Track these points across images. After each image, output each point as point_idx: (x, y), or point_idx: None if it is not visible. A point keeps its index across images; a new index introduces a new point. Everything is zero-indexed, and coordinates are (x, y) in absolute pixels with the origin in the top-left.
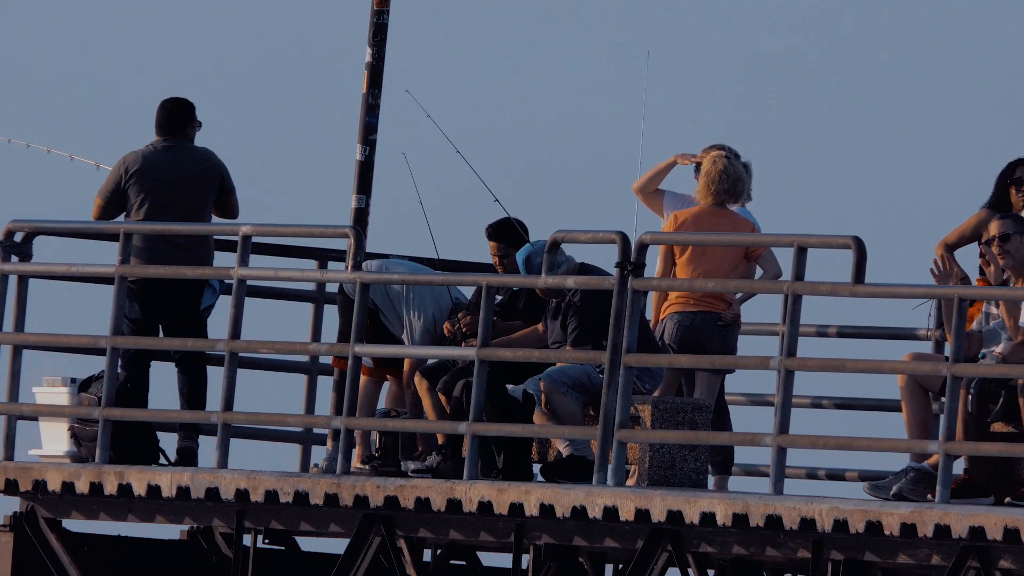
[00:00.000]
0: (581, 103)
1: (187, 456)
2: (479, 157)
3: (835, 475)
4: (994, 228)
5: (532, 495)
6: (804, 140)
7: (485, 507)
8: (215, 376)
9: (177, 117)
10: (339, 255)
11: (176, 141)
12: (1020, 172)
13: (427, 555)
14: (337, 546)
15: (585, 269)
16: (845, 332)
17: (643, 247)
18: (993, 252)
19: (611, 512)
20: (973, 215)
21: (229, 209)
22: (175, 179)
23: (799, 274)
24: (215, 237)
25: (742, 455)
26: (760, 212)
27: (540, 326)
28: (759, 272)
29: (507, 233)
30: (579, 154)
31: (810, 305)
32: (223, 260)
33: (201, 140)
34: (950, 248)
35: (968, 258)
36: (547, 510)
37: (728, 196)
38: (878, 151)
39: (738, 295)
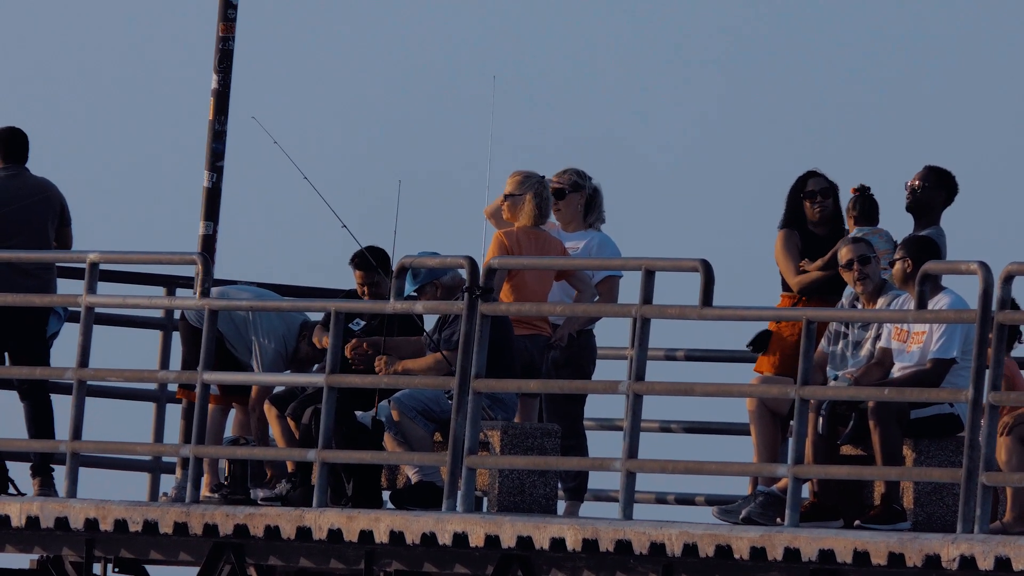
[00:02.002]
0: (429, 123)
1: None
2: (326, 182)
3: (684, 499)
4: (848, 252)
5: (382, 522)
6: (642, 164)
7: (335, 534)
8: (62, 404)
9: (19, 144)
10: (187, 282)
11: (17, 169)
12: (812, 184)
13: None
14: (187, 574)
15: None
16: (693, 355)
17: (492, 271)
18: (851, 277)
19: (461, 538)
20: (777, 239)
21: (65, 240)
22: (17, 207)
23: (647, 297)
24: (62, 264)
25: (593, 480)
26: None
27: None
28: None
29: (376, 261)
30: (430, 174)
31: (658, 329)
32: (68, 287)
33: (48, 167)
34: (798, 270)
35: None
36: (397, 537)
37: (541, 219)
38: (732, 177)
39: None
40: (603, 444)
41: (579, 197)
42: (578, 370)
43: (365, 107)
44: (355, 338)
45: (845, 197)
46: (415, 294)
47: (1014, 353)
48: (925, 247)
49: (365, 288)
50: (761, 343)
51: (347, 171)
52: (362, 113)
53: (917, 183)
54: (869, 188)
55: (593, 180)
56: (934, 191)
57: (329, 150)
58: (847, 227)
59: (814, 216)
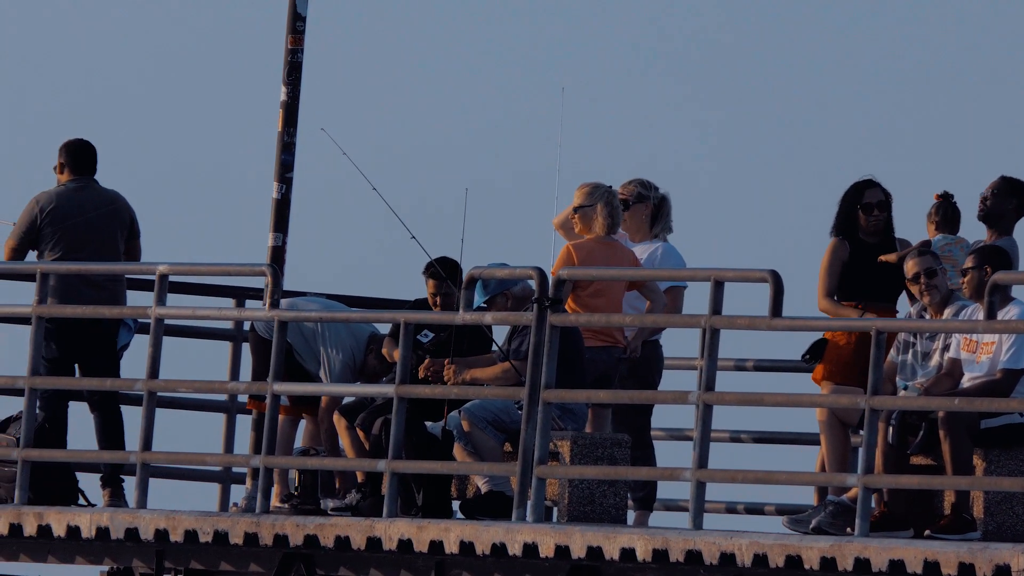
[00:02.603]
0: (497, 133)
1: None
2: (395, 193)
3: (754, 509)
4: (915, 266)
5: (452, 532)
6: (720, 174)
7: (405, 545)
8: (132, 415)
9: (88, 156)
10: (256, 293)
11: (86, 181)
12: (870, 196)
13: None
14: None
15: None
16: (763, 366)
17: (561, 282)
18: (918, 290)
19: (531, 548)
20: (827, 248)
21: (134, 252)
22: (87, 219)
23: (716, 308)
24: (131, 276)
25: (662, 490)
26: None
27: (507, 363)
28: (646, 304)
29: (446, 272)
30: (499, 186)
31: (728, 339)
32: (138, 299)
33: (118, 180)
34: (832, 293)
35: None
36: (467, 547)
37: (613, 228)
38: (798, 184)
39: (635, 329)
40: (672, 454)
41: (644, 208)
42: (644, 380)
43: (433, 116)
44: (423, 351)
45: (903, 206)
46: (484, 306)
47: None
48: (996, 257)
49: (437, 299)
50: (817, 353)
51: (415, 181)
52: (430, 122)
53: (989, 192)
54: (952, 195)
55: (660, 190)
56: (1005, 200)
57: (397, 160)
58: (895, 234)
59: (867, 227)
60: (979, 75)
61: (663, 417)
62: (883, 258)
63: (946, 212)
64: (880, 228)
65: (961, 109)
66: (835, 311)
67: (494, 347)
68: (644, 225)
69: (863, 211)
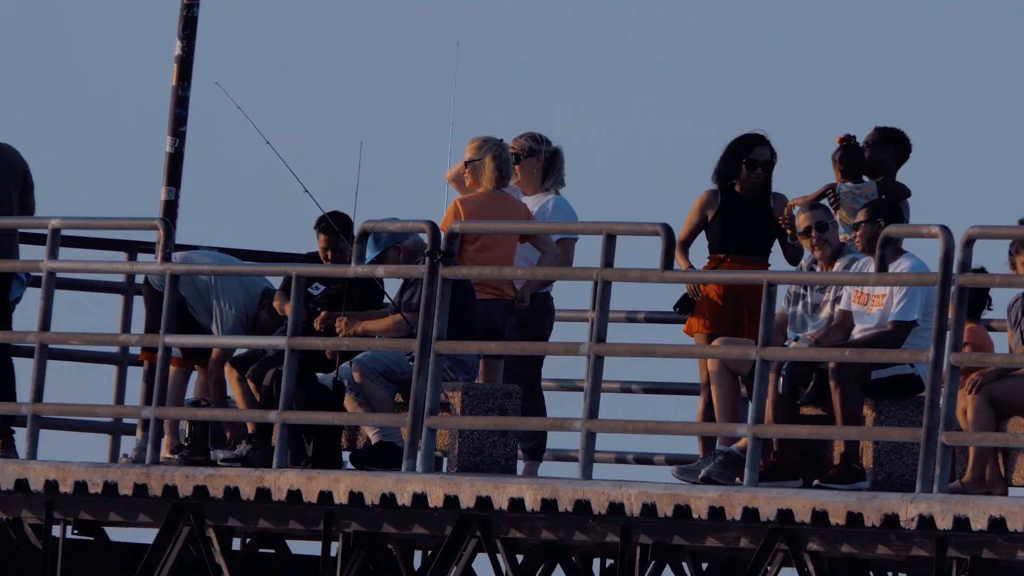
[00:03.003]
0: (392, 89)
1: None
2: (288, 147)
3: (644, 459)
4: (806, 220)
5: (341, 483)
6: (613, 130)
7: (294, 495)
8: (23, 368)
9: None
10: (149, 247)
11: None
12: (757, 153)
13: (236, 544)
14: (146, 536)
15: None
16: (654, 318)
17: (453, 236)
18: (809, 243)
19: (420, 499)
20: (696, 200)
21: (27, 205)
22: None
23: (608, 261)
24: (24, 230)
25: (552, 441)
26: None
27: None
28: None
29: (337, 225)
30: (392, 140)
31: (619, 291)
32: (30, 253)
33: (10, 133)
34: (686, 245)
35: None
36: (356, 498)
37: (503, 182)
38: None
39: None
40: (563, 405)
41: (535, 161)
42: (534, 332)
43: (328, 70)
44: (314, 303)
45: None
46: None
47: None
48: (889, 210)
49: (328, 252)
50: (687, 305)
51: (309, 136)
52: (325, 77)
53: (865, 144)
54: (854, 137)
55: (553, 144)
56: (882, 149)
57: (291, 115)
58: (773, 189)
59: (747, 181)
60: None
61: (554, 368)
62: (794, 201)
63: (850, 157)
64: (759, 185)
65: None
66: (679, 262)
67: (386, 300)
68: (536, 178)
69: (747, 166)
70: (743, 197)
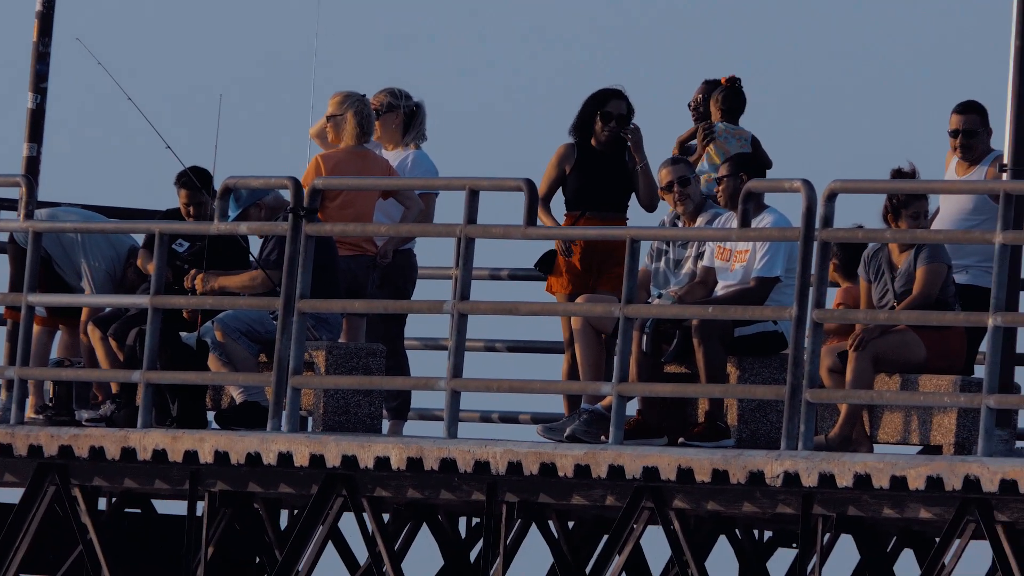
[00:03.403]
0: (253, 45)
1: None
2: (152, 103)
3: (509, 418)
4: (668, 175)
5: (207, 442)
6: (479, 86)
7: (160, 455)
8: None
9: None
10: (11, 204)
11: None
12: (613, 106)
13: (102, 503)
14: (11, 496)
15: None
16: (518, 275)
17: (315, 192)
18: (671, 198)
19: (286, 458)
20: (554, 154)
21: None
22: None
23: (471, 217)
24: None
25: (417, 399)
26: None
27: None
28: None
29: (196, 182)
30: (255, 95)
31: (483, 248)
32: None
33: None
34: (546, 201)
35: None
36: (222, 457)
37: (364, 137)
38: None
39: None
40: (428, 363)
41: (395, 117)
42: (397, 289)
43: (188, 25)
44: (180, 261)
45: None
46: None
47: None
48: (751, 165)
49: (190, 208)
50: (547, 264)
51: (171, 91)
52: (185, 32)
53: (698, 97)
54: (740, 80)
55: (414, 99)
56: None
57: (153, 70)
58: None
59: (602, 136)
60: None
61: (418, 326)
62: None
63: (731, 99)
64: (614, 139)
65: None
66: (542, 218)
67: (252, 258)
68: (396, 134)
69: (602, 119)
70: (599, 152)
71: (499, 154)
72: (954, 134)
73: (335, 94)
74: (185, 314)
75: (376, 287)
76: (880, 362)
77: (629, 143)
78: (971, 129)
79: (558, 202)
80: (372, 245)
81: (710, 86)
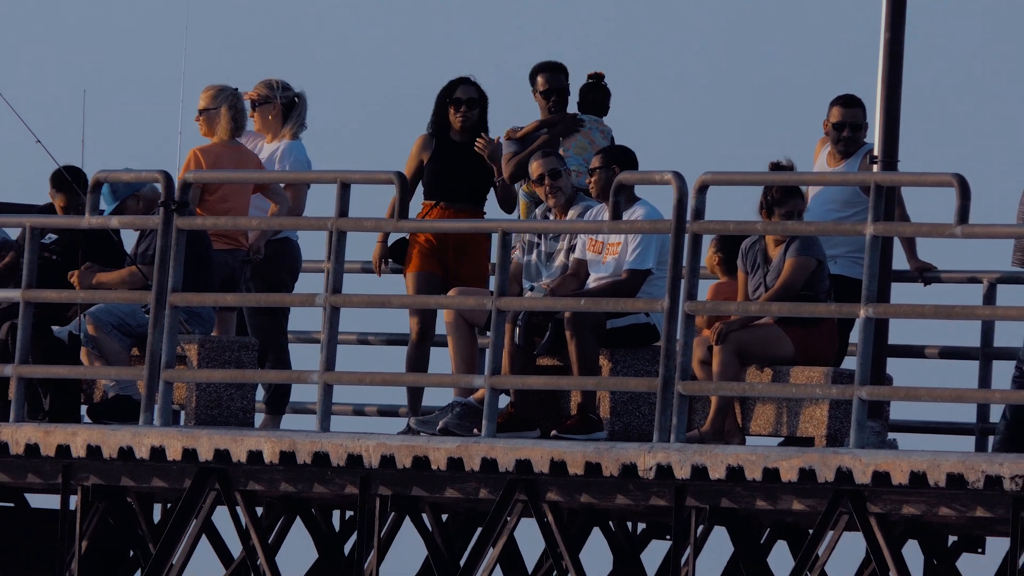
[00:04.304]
0: (120, 38)
1: None
2: (19, 97)
3: (385, 411)
4: (539, 167)
5: (79, 436)
6: (357, 77)
7: (32, 449)
8: None
9: None
10: None
11: None
12: (461, 92)
13: None
14: None
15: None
16: (392, 268)
17: (187, 185)
18: (543, 191)
19: (158, 452)
20: (414, 143)
21: None
22: None
23: (343, 210)
24: None
25: (292, 393)
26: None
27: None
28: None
29: (67, 178)
30: (122, 90)
31: (355, 241)
32: None
33: None
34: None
35: None
36: (94, 451)
37: (237, 131)
38: None
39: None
40: (303, 357)
41: (271, 108)
42: (271, 282)
43: (55, 18)
44: (48, 252)
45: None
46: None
47: None
48: (623, 157)
49: (64, 208)
50: (397, 253)
51: (39, 84)
52: (50, 24)
53: (545, 86)
54: (603, 76)
55: (293, 89)
56: (559, 79)
57: (19, 63)
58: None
59: (456, 123)
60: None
61: (293, 320)
62: (509, 132)
63: (595, 95)
64: (469, 126)
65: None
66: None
67: (127, 251)
68: (273, 125)
69: (453, 106)
70: (456, 142)
71: (384, 143)
72: (840, 127)
73: (208, 87)
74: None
75: (247, 280)
76: (745, 355)
77: (486, 157)
78: (857, 123)
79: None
80: (247, 239)
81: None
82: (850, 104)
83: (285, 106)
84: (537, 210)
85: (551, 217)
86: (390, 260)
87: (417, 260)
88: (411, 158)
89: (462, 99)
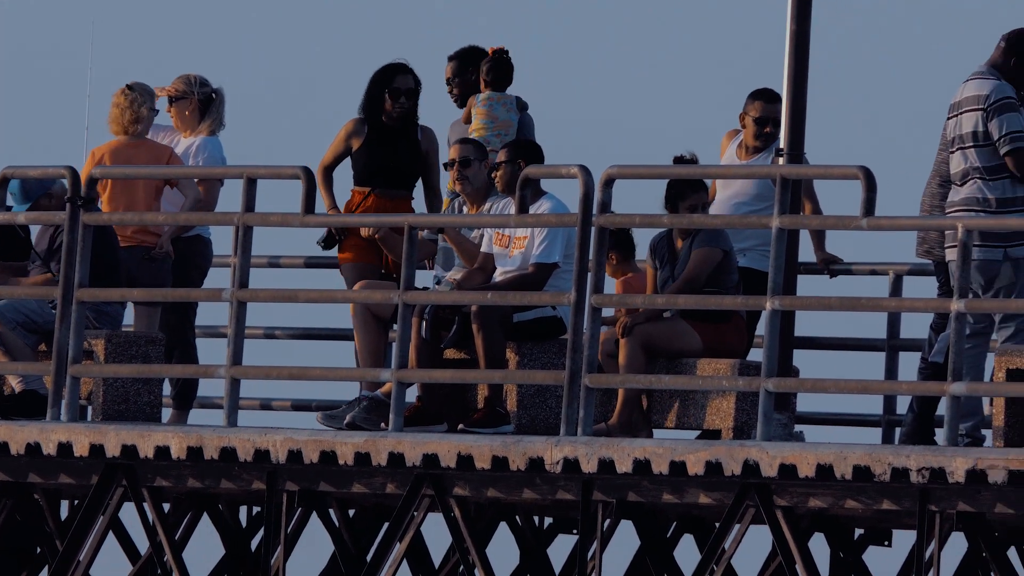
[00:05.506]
0: (29, 33)
1: None
2: None
3: (302, 406)
4: (452, 153)
5: None
6: (271, 73)
7: None
8: None
9: None
10: None
11: None
12: (399, 82)
13: None
14: None
15: None
16: (297, 263)
17: (93, 181)
18: (452, 177)
19: (66, 448)
20: (342, 127)
21: None
22: None
23: (249, 205)
24: None
25: (200, 388)
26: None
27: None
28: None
29: None
30: (31, 86)
31: (261, 236)
32: None
33: None
34: (328, 170)
35: None
36: (1, 447)
37: (137, 126)
38: None
39: (166, 228)
40: (210, 352)
41: (187, 104)
42: (179, 278)
43: None
44: None
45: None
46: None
47: None
48: (529, 150)
49: None
50: (330, 241)
51: None
52: None
53: (452, 74)
54: (508, 51)
55: (212, 85)
56: (469, 72)
57: None
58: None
59: (391, 111)
60: None
61: (199, 315)
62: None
63: (498, 70)
64: (403, 115)
65: None
66: (321, 191)
67: (34, 251)
68: (190, 120)
69: (390, 95)
70: (390, 129)
71: (305, 136)
72: (762, 122)
73: (119, 89)
74: None
75: (151, 277)
76: (651, 349)
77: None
78: (778, 119)
79: (342, 176)
80: (149, 235)
81: (461, 61)
82: (773, 100)
83: (202, 102)
84: (455, 201)
85: (465, 209)
86: (321, 245)
87: (353, 251)
88: (337, 142)
89: (401, 89)
